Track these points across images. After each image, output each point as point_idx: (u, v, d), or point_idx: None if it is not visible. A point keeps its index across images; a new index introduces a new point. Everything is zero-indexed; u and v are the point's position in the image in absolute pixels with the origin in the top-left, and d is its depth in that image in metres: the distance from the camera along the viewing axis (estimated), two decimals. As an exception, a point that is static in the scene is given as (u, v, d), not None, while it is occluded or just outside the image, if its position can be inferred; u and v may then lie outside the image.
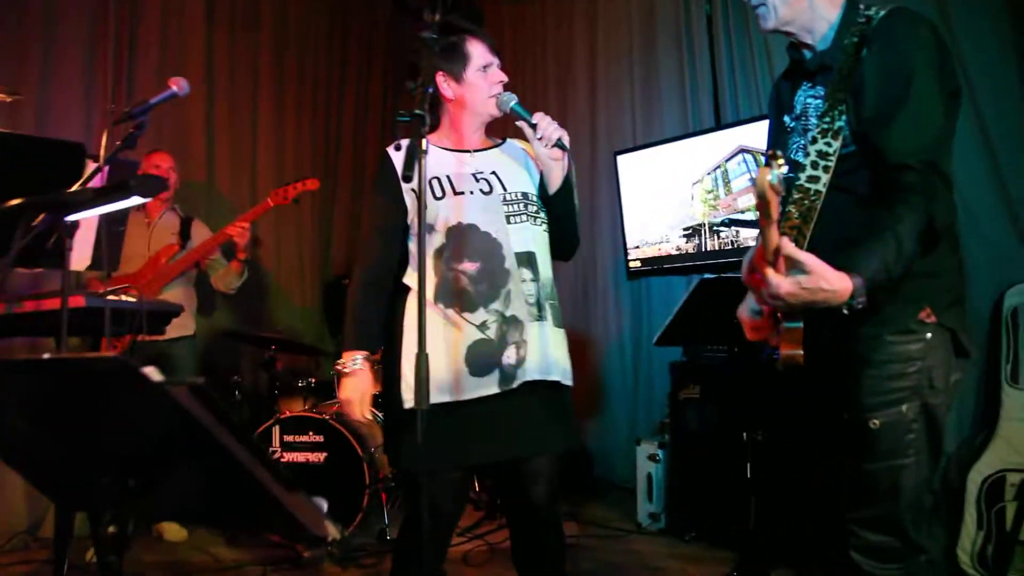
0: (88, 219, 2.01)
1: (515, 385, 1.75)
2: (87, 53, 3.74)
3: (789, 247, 1.25)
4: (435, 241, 1.80)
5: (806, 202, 1.44)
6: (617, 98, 4.43)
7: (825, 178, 1.43)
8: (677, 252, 3.87)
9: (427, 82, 1.39)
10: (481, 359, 1.75)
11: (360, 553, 3.16)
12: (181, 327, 3.49)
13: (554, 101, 4.85)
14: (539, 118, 1.77)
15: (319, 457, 3.32)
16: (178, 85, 1.86)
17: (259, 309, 4.68)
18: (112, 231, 2.05)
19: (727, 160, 3.62)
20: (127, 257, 3.43)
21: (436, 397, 1.68)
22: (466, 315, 1.77)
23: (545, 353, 1.80)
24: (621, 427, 4.30)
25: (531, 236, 1.85)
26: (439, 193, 1.82)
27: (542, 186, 1.89)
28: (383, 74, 5.63)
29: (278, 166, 4.72)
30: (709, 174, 3.70)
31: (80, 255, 2.02)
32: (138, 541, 3.40)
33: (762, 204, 1.18)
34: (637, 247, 4.06)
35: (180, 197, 3.94)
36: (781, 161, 1.17)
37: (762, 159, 1.20)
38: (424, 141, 1.37)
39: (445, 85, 1.87)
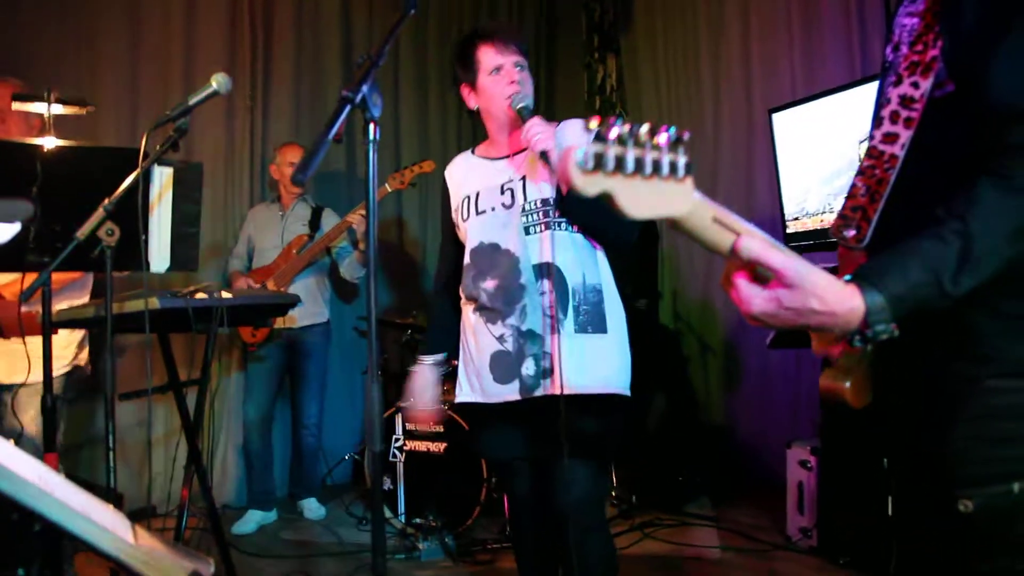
0: (161, 223, 2.04)
1: (537, 394, 1.74)
2: (227, 44, 3.93)
3: (752, 247, 0.82)
4: (466, 259, 1.85)
5: (877, 171, 1.02)
6: (773, 46, 3.87)
7: (906, 136, 0.99)
8: (842, 224, 3.29)
9: (373, 58, 1.16)
10: (502, 368, 1.78)
11: (476, 548, 3.07)
12: (313, 315, 3.61)
13: (705, 56, 4.38)
14: (528, 126, 1.68)
15: (439, 447, 3.26)
16: (218, 82, 1.80)
17: (415, 294, 4.70)
18: (184, 232, 2.07)
19: (903, 110, 2.99)
20: (262, 249, 3.60)
21: (467, 397, 1.86)
22: (489, 326, 1.80)
23: (570, 365, 1.71)
24: (780, 423, 3.80)
25: (551, 245, 1.75)
26: (465, 214, 1.86)
27: None
28: (536, 42, 5.40)
29: (422, 146, 4.71)
30: (880, 129, 3.08)
31: (159, 257, 2.07)
32: (282, 518, 3.59)
33: (610, 198, 0.74)
34: (796, 218, 3.52)
35: (319, 185, 4.08)
36: (597, 129, 0.72)
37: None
38: (373, 128, 1.16)
39: (468, 96, 1.86)
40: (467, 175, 1.92)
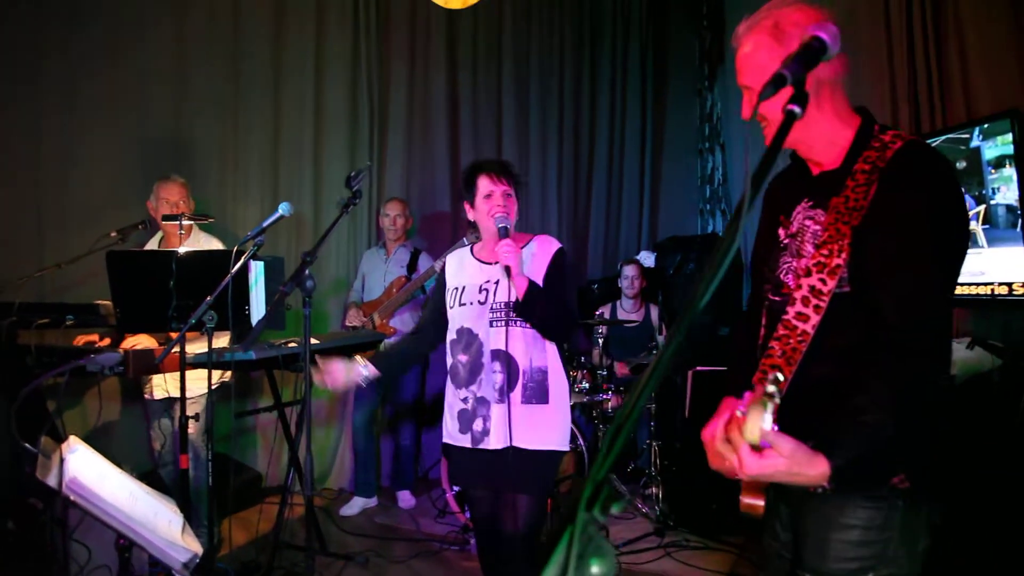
0: (258, 298, 2.87)
1: (480, 446, 2.33)
2: (349, 118, 4.81)
3: (771, 434, 1.12)
4: (452, 335, 2.44)
5: (791, 341, 1.34)
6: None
7: (815, 319, 1.33)
8: None
9: (309, 258, 1.81)
10: (463, 422, 2.39)
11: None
12: (409, 342, 4.40)
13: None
14: (499, 244, 2.23)
15: (497, 460, 3.90)
16: (283, 209, 2.56)
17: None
18: (274, 305, 2.88)
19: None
20: (371, 287, 4.44)
21: (445, 438, 2.47)
22: (458, 390, 2.42)
23: (507, 426, 2.29)
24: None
25: (506, 337, 2.31)
26: (452, 303, 2.43)
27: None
28: (642, 68, 5.74)
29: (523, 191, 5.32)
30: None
31: (258, 318, 2.90)
32: (381, 504, 4.43)
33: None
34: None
35: (428, 223, 4.88)
36: (773, 395, 1.07)
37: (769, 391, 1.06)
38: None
39: (468, 210, 2.44)
40: (462, 270, 2.48)
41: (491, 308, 2.34)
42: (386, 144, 4.93)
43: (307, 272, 1.88)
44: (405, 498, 4.47)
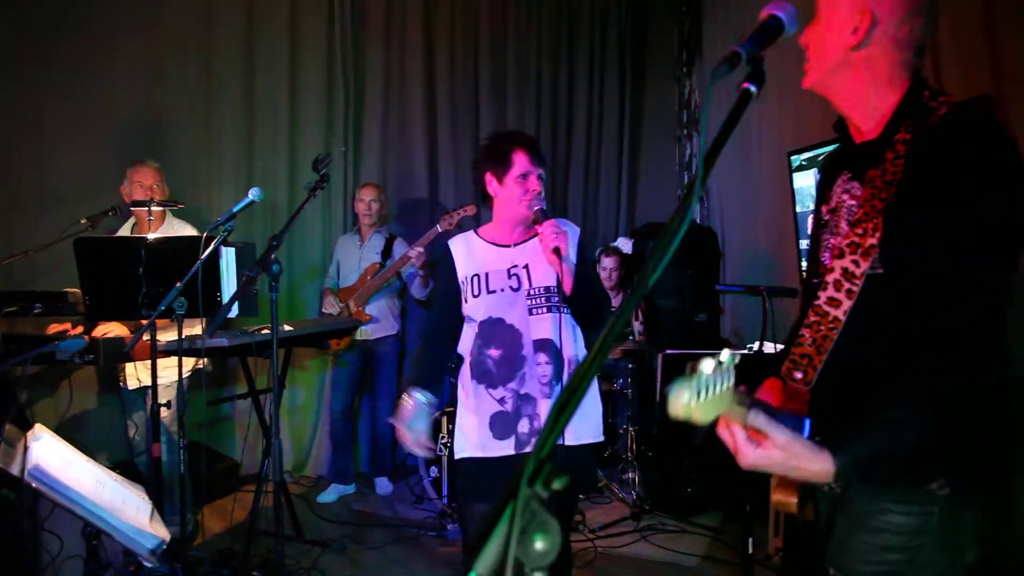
0: (230, 285, 2.83)
1: (528, 449, 2.06)
2: (325, 104, 4.76)
3: (759, 421, 1.07)
4: (473, 329, 2.17)
5: (822, 328, 1.26)
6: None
7: (847, 304, 1.23)
8: None
9: (277, 242, 1.79)
10: (501, 426, 2.11)
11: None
12: (386, 328, 4.38)
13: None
14: (543, 227, 2.02)
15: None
16: (253, 193, 2.54)
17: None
18: (240, 290, 2.86)
19: None
20: (346, 273, 4.41)
21: (468, 452, 2.14)
22: (489, 391, 2.13)
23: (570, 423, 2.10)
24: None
25: (551, 325, 2.10)
26: (476, 291, 2.15)
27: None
28: (621, 67, 5.70)
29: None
30: None
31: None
32: (360, 491, 4.43)
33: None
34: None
35: (405, 209, 4.85)
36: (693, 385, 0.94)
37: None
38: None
39: (490, 183, 2.17)
40: (474, 255, 2.20)
41: (528, 294, 2.12)
42: (362, 130, 4.90)
43: (273, 256, 1.86)
44: (383, 485, 4.47)
